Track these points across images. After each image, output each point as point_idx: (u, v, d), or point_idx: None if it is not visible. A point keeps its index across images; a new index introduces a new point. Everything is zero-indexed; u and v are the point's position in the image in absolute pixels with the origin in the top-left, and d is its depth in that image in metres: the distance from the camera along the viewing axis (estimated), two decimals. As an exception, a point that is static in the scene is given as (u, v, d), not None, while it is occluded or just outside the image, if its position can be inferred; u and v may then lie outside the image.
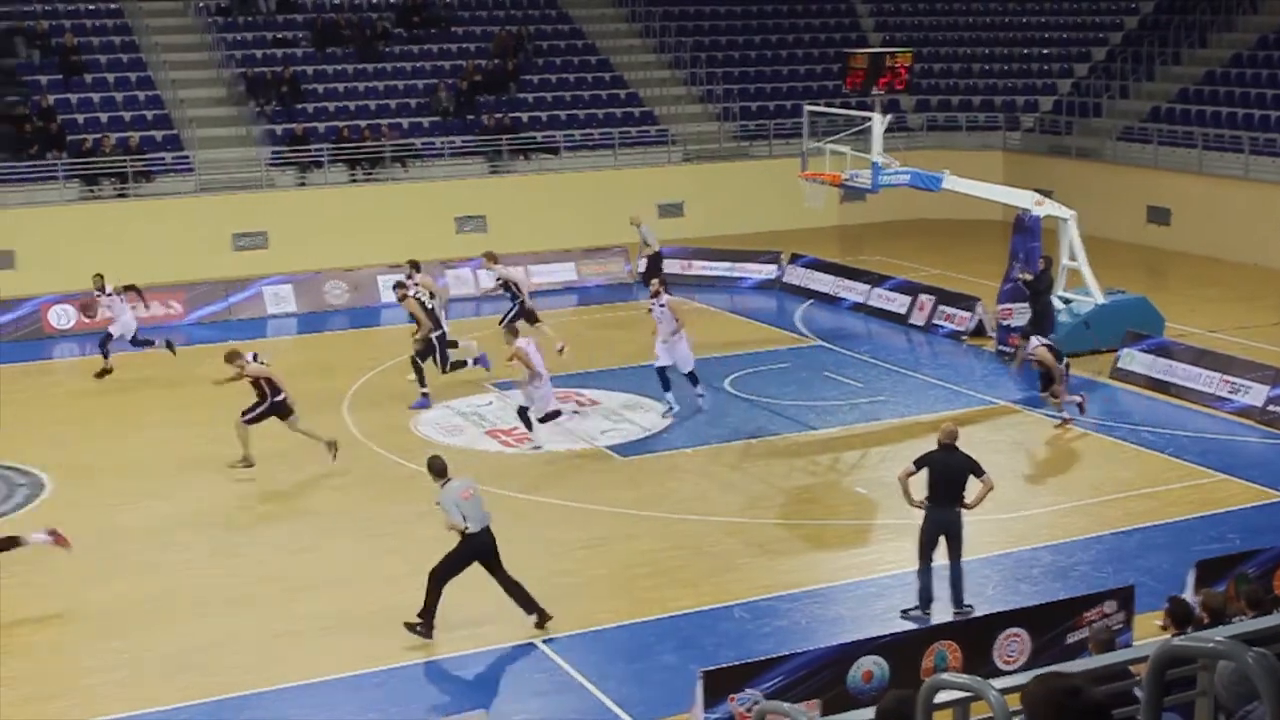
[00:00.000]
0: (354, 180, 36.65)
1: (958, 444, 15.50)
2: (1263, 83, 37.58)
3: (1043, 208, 26.52)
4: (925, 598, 15.48)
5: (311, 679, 14.49)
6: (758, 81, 42.66)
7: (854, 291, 31.22)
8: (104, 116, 36.15)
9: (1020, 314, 25.51)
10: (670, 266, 34.08)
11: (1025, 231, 26.25)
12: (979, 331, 27.74)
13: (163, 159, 35.42)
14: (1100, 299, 26.37)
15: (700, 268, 34.11)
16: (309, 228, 34.62)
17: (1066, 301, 26.54)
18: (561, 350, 24.88)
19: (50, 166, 34.27)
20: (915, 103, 42.47)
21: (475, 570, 15.23)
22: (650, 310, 23.43)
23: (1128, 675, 7.66)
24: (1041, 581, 16.52)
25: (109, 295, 26.42)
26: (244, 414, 20.83)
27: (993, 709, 5.76)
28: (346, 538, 18.38)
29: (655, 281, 24.14)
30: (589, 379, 25.18)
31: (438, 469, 15.40)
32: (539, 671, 14.63)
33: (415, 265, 25.86)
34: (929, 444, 15.92)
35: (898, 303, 29.93)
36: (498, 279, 26.84)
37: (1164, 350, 24.72)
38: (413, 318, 24.21)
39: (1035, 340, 22.67)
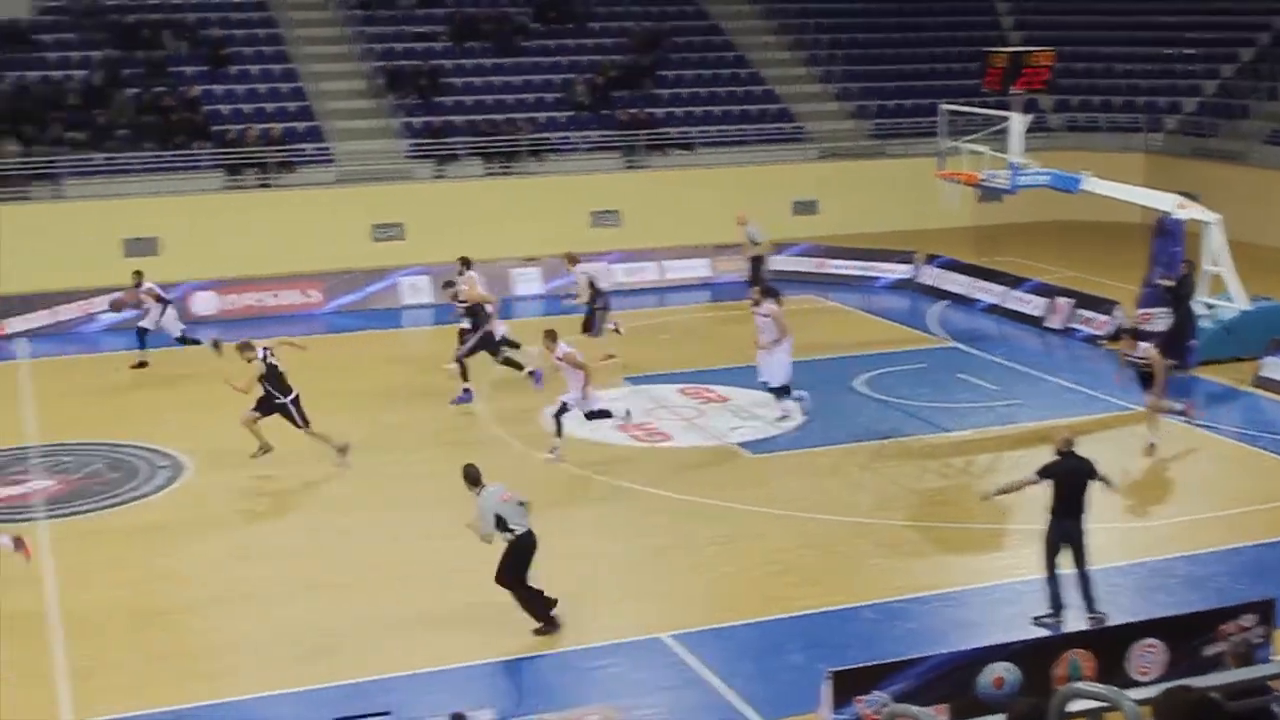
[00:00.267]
0: (490, 173, 36.97)
1: (1075, 449, 15.34)
2: None
3: (1185, 211, 26.01)
4: (1056, 605, 15.29)
5: (441, 666, 14.67)
6: (894, 79, 42.31)
7: (989, 293, 30.87)
8: (248, 108, 36.83)
9: (1161, 319, 25.04)
10: (803, 265, 33.99)
11: (1166, 235, 25.77)
12: (1117, 336, 27.26)
13: (304, 150, 35.98)
14: (1244, 305, 25.81)
15: (834, 266, 33.93)
16: (445, 220, 34.96)
17: (1210, 307, 26.01)
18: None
19: (195, 156, 34.99)
20: (1055, 103, 41.86)
21: (592, 565, 15.29)
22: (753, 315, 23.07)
23: (1267, 691, 7.50)
24: (1178, 592, 16.23)
25: (145, 290, 26.83)
26: (252, 410, 20.84)
27: (1128, 720, 5.68)
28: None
29: (756, 290, 23.92)
30: (720, 375, 25.18)
31: (472, 477, 15.33)
32: (665, 666, 14.66)
33: (466, 262, 26.02)
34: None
35: (1034, 305, 29.54)
36: (575, 282, 26.85)
37: (1309, 359, 24.16)
38: (468, 311, 24.37)
39: (1146, 344, 21.76)
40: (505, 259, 32.80)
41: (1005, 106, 27.58)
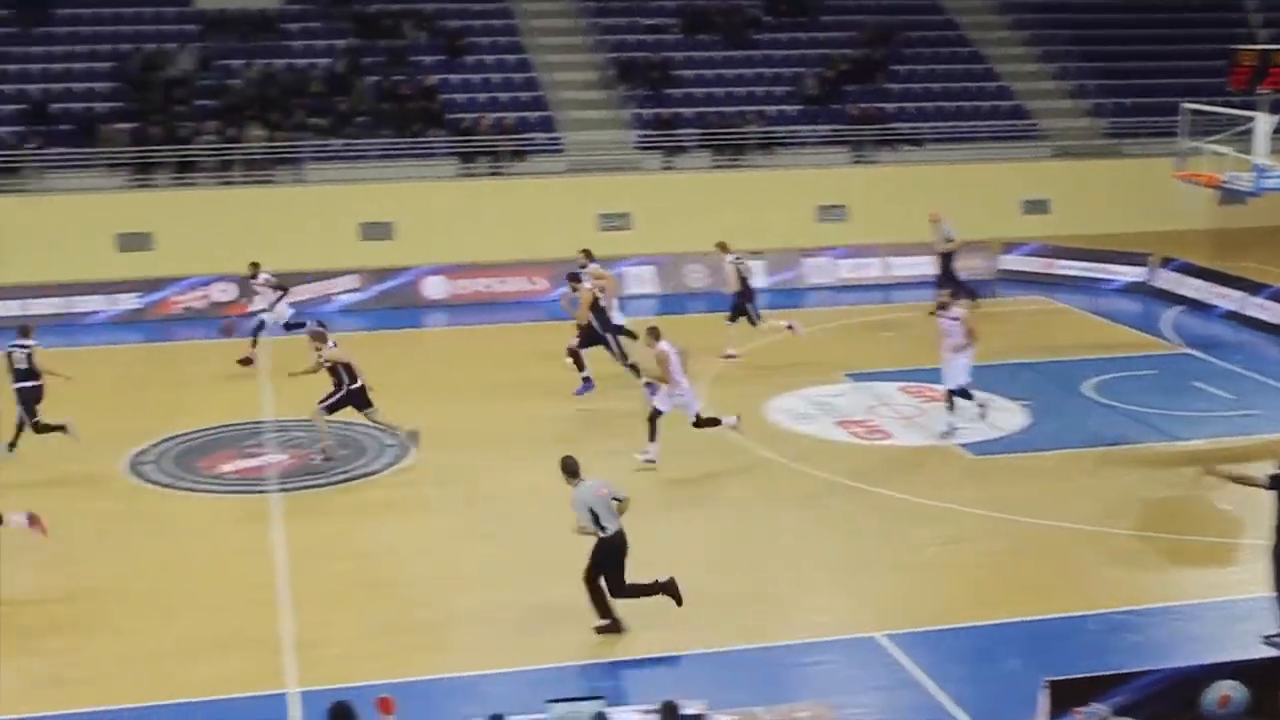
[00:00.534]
0: (717, 166, 37.05)
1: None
2: None
3: None
4: (1288, 624, 14.75)
5: (654, 654, 14.78)
6: (1133, 77, 41.17)
7: (1227, 299, 29.87)
8: (482, 97, 37.52)
9: None
10: (1031, 265, 33.37)
11: None
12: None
13: (535, 139, 36.52)
14: None
15: (1063, 267, 33.22)
16: (671, 211, 35.14)
17: None
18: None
19: (430, 144, 35.78)
20: (1305, 103, 40.24)
21: (808, 561, 15.19)
22: (936, 318, 22.39)
23: None
24: None
25: (261, 280, 27.09)
26: (321, 402, 21.09)
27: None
28: (696, 517, 18.64)
29: (945, 293, 23.39)
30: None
31: (570, 469, 15.13)
32: (878, 666, 14.55)
33: (589, 255, 25.92)
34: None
35: (1275, 312, 28.48)
36: (736, 266, 26.69)
37: None
38: (573, 306, 24.34)
39: None
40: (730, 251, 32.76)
41: (1251, 106, 26.65)
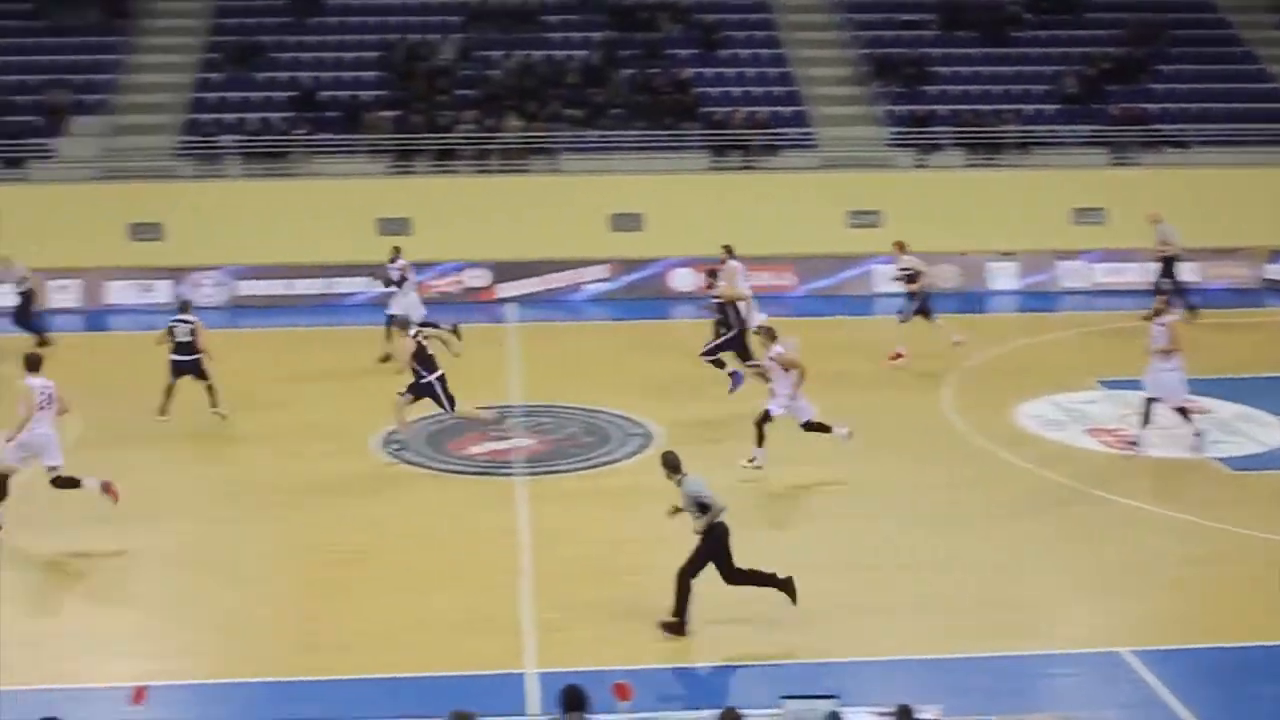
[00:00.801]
0: (971, 164, 36.43)
1: None
2: None
3: None
4: None
5: (890, 656, 14.65)
6: None
7: None
8: (736, 91, 37.57)
9: None
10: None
11: None
12: None
13: (787, 134, 36.43)
14: None
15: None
16: (923, 209, 34.63)
17: None
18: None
19: (683, 136, 35.97)
20: None
21: (1056, 573, 14.83)
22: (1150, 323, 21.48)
23: None
24: None
25: (400, 266, 26.84)
26: (402, 392, 20.99)
27: None
28: (934, 519, 18.42)
29: (1161, 299, 22.51)
30: (1201, 385, 23.93)
31: (672, 464, 15.02)
32: (1123, 681, 14.13)
33: (730, 251, 25.46)
34: None
35: None
36: (902, 269, 26.03)
37: None
38: (719, 308, 23.91)
39: None
40: (981, 251, 32.35)
41: None
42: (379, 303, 27.22)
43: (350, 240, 32.63)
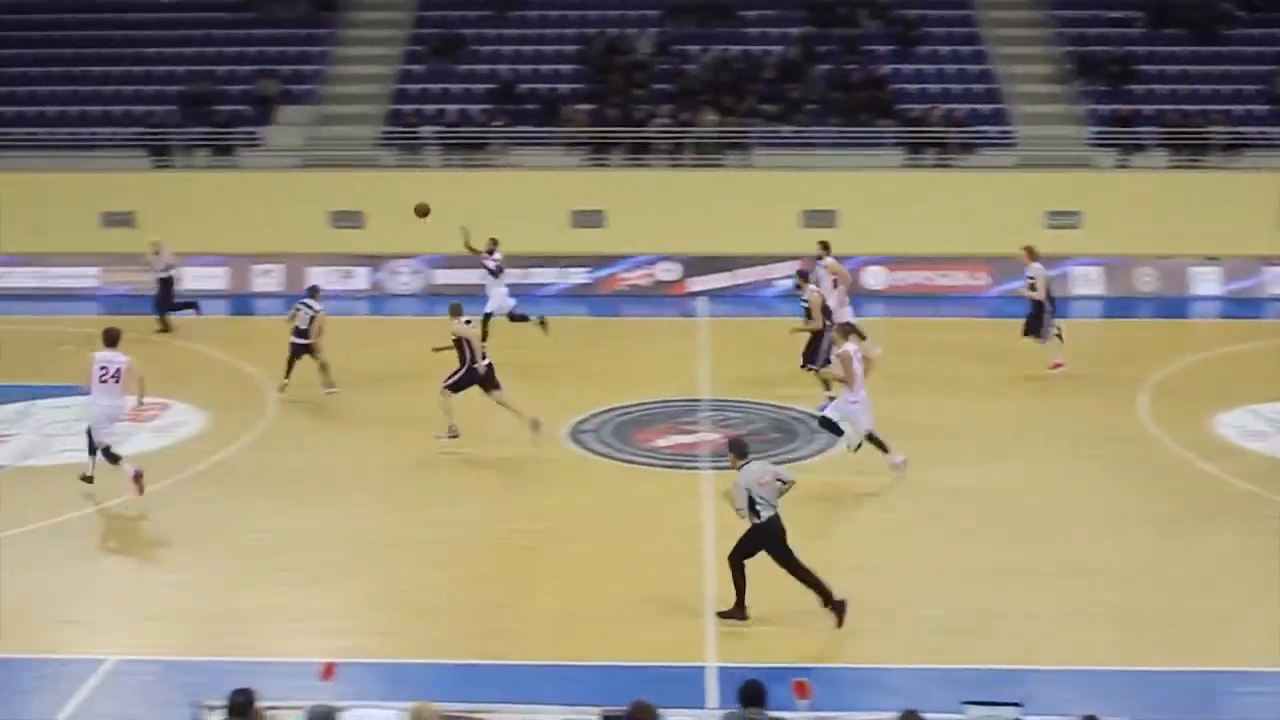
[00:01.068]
0: (1175, 166, 35.50)
1: None
2: None
3: None
4: None
5: (1076, 666, 14.39)
6: None
7: None
8: (934, 88, 37.16)
9: None
10: None
11: None
12: None
13: (985, 132, 35.91)
14: None
15: None
16: (1124, 211, 33.87)
17: None
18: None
19: (879, 133, 35.68)
20: None
21: (1247, 584, 14.38)
22: None
23: None
24: None
25: (497, 259, 26.77)
26: (445, 381, 20.93)
27: None
28: (1125, 527, 18.04)
29: None
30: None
31: (739, 449, 15.21)
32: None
33: (825, 246, 24.67)
34: None
35: None
36: (1029, 277, 25.09)
37: None
38: (807, 311, 23.21)
39: None
40: (1184, 256, 31.55)
41: None
42: (571, 294, 27.61)
43: (545, 231, 33.03)
